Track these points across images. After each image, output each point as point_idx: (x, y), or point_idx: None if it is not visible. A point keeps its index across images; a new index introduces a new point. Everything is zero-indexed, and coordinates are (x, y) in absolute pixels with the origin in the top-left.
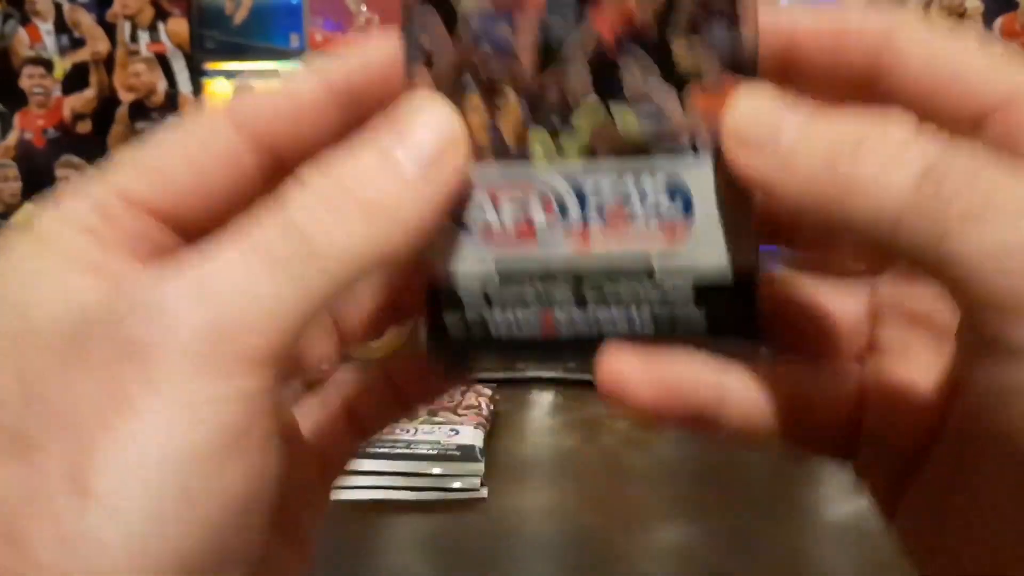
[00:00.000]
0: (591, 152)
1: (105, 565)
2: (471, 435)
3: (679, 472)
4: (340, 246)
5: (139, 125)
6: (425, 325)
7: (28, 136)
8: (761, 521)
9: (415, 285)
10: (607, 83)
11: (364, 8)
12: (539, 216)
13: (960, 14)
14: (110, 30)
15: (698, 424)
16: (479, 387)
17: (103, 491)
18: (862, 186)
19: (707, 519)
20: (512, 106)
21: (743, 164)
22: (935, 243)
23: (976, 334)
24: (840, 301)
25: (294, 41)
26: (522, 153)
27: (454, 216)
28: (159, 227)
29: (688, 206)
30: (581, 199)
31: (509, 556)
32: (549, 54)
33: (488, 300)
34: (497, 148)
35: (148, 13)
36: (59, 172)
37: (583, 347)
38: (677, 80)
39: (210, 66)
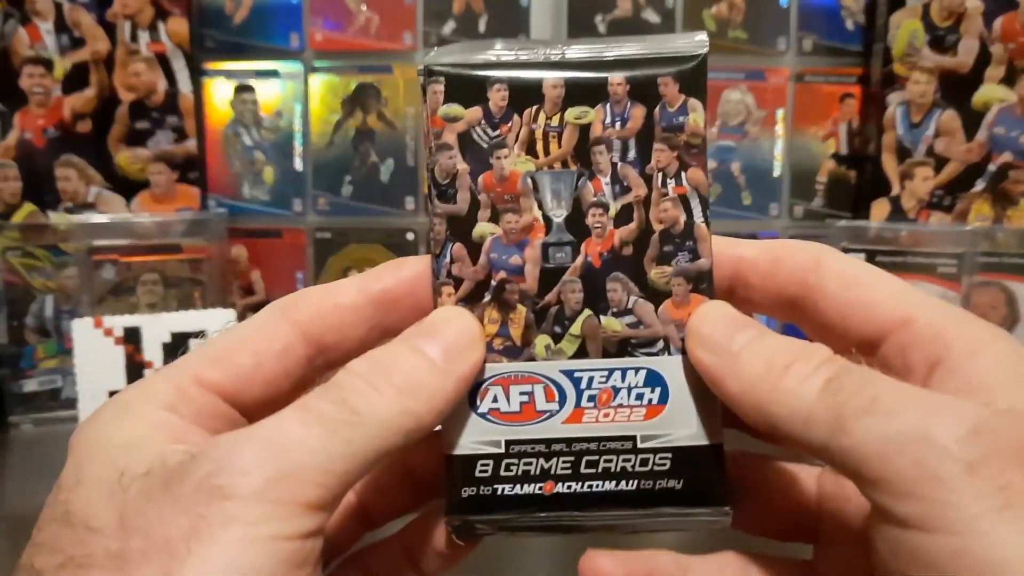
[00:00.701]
0: (583, 352)
1: None
2: None
3: None
4: (379, 415)
5: (139, 124)
6: (445, 497)
7: (28, 135)
8: None
9: (433, 466)
10: (596, 298)
11: (364, 7)
12: (542, 401)
13: (960, 14)
14: (110, 30)
15: None
16: None
17: None
18: (783, 391)
19: None
20: (520, 315)
21: (700, 360)
22: (835, 436)
23: (875, 509)
24: (794, 482)
25: (294, 41)
26: (529, 352)
27: (471, 402)
28: (225, 406)
29: (664, 392)
30: (577, 388)
31: (509, 556)
32: (550, 275)
33: (498, 471)
34: (508, 348)
35: (148, 13)
36: (59, 172)
37: (578, 516)
38: (651, 295)
39: (210, 65)
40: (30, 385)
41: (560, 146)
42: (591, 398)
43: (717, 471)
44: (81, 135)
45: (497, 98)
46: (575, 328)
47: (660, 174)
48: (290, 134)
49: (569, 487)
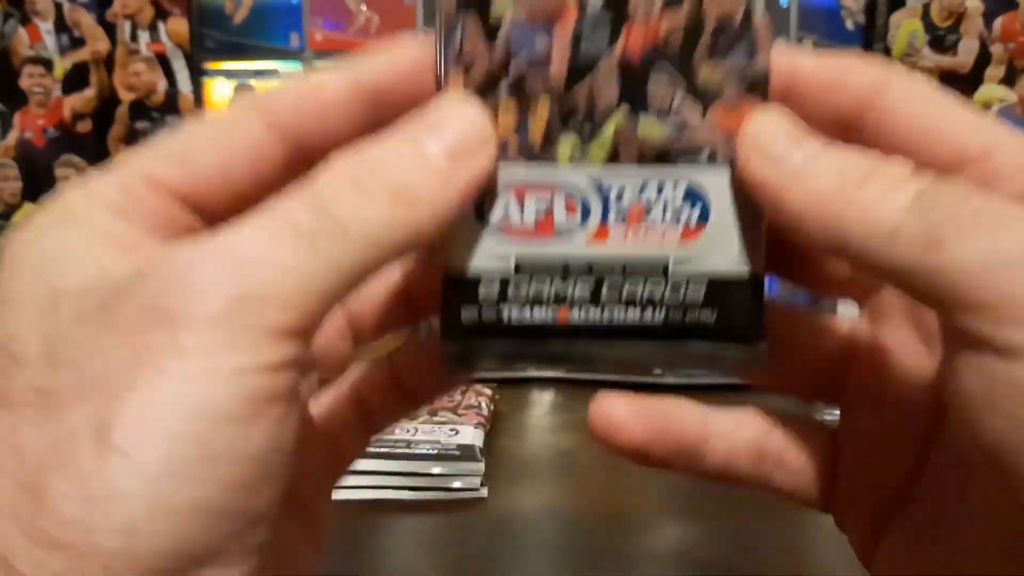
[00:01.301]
0: (615, 157)
1: (124, 516)
2: (471, 435)
3: (678, 472)
4: (367, 225)
5: (139, 124)
6: (439, 317)
7: (28, 135)
8: (761, 521)
9: (429, 282)
10: (634, 94)
11: (364, 7)
12: (561, 215)
13: (960, 14)
14: (110, 29)
15: (682, 462)
16: (479, 387)
17: (127, 445)
18: (862, 205)
19: (707, 519)
20: (543, 110)
21: (756, 172)
22: (928, 253)
23: (967, 339)
24: (825, 334)
25: (294, 40)
26: (550, 155)
27: (478, 212)
28: (182, 209)
29: (704, 212)
30: (604, 200)
31: (509, 556)
32: (581, 65)
33: (505, 294)
34: (526, 149)
35: (148, 12)
36: (59, 172)
37: (594, 347)
38: (699, 95)
39: (210, 65)
40: None
41: None
42: (619, 213)
43: (756, 305)
44: (81, 135)
45: None
46: (607, 129)
47: None
48: None
49: (587, 314)
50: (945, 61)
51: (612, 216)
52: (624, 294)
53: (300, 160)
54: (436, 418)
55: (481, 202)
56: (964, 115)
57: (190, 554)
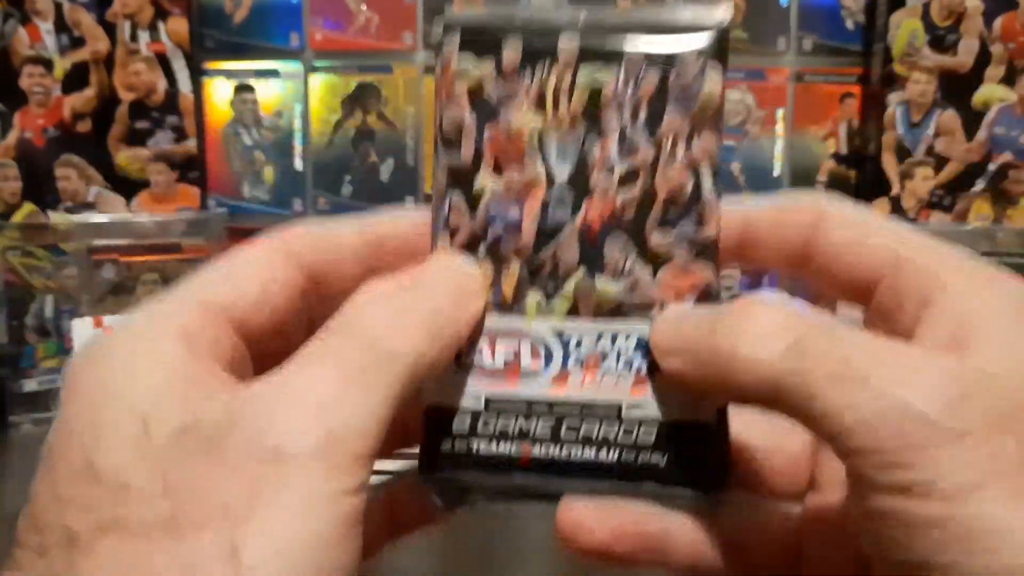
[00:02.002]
0: (575, 312)
1: None
2: None
3: None
4: (410, 355)
5: (139, 124)
6: (420, 449)
7: (28, 135)
8: None
9: (410, 418)
10: (592, 259)
11: (364, 7)
12: (527, 361)
13: (960, 13)
14: (110, 29)
15: (646, 563)
16: None
17: (256, 565)
18: (747, 361)
19: None
20: (513, 270)
21: (672, 368)
22: (807, 403)
23: (850, 475)
24: (784, 439)
25: (294, 40)
26: (519, 308)
27: (456, 356)
28: (232, 333)
29: (654, 362)
30: (564, 350)
31: (509, 556)
32: (548, 232)
33: (475, 429)
34: (498, 303)
35: (148, 12)
36: (59, 171)
37: (553, 483)
38: (650, 259)
39: (210, 65)
40: (30, 385)
41: (570, 105)
42: (578, 360)
43: (704, 452)
44: (81, 135)
45: (510, 53)
46: (568, 287)
47: (670, 140)
48: (290, 134)
49: (547, 451)
50: (945, 61)
51: (571, 363)
52: (581, 434)
53: (315, 289)
54: None
55: (461, 348)
56: (884, 229)
57: None
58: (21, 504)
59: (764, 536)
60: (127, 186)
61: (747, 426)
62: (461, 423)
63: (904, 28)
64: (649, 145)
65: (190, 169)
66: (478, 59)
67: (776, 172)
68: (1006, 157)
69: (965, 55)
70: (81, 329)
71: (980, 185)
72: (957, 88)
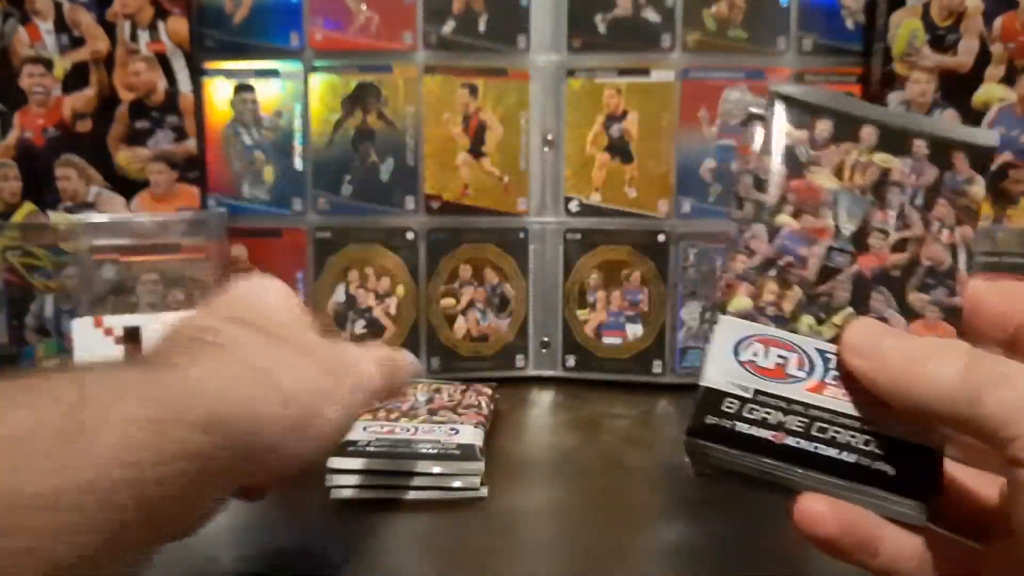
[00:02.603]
0: (838, 339)
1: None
2: (471, 434)
3: (679, 472)
4: (402, 375)
5: (139, 124)
6: (689, 420)
7: (28, 135)
8: (761, 521)
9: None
10: (860, 301)
11: (364, 7)
12: (793, 367)
13: (960, 13)
14: (110, 29)
15: (860, 558)
16: (479, 387)
17: (335, 417)
18: (927, 378)
19: (707, 519)
20: (795, 294)
21: (853, 365)
22: (974, 407)
23: (1010, 464)
24: (980, 485)
25: (294, 40)
26: (793, 325)
27: (735, 351)
28: None
29: None
30: (825, 364)
31: (509, 556)
32: (827, 271)
33: (741, 413)
34: (778, 317)
35: (148, 12)
36: (59, 171)
37: (796, 473)
38: (906, 312)
39: (210, 65)
40: None
41: (863, 177)
42: (835, 376)
43: (926, 472)
44: (81, 134)
45: (822, 127)
46: (837, 318)
47: (938, 222)
48: (290, 133)
49: (797, 443)
50: (945, 60)
51: (830, 377)
52: (828, 435)
53: None
54: (436, 417)
55: (738, 344)
56: None
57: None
58: None
59: (949, 562)
60: (127, 186)
61: (951, 468)
62: (730, 404)
63: (904, 28)
64: (920, 223)
65: (190, 169)
66: (796, 126)
67: None
68: (1006, 157)
69: (965, 55)
70: (81, 329)
71: None
72: (957, 88)
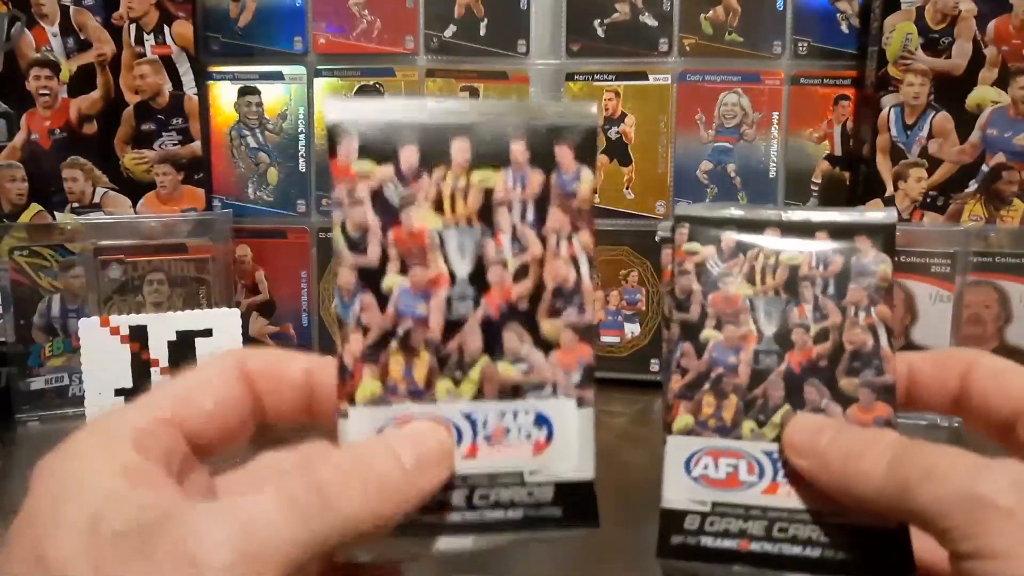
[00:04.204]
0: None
1: None
2: None
3: None
4: (348, 511)
5: (144, 126)
6: (658, 542)
7: (35, 137)
8: None
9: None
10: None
11: (366, 12)
12: (744, 473)
13: (954, 16)
14: (116, 32)
15: None
16: None
17: None
18: (862, 475)
19: None
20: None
21: (798, 464)
22: (904, 502)
23: (949, 554)
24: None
25: (298, 44)
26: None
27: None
28: (184, 444)
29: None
30: (774, 464)
31: (509, 555)
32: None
33: (703, 527)
34: (720, 427)
35: (153, 16)
36: (66, 173)
37: (769, 574)
38: (840, 399)
39: (215, 68)
40: (37, 383)
41: (775, 278)
42: (785, 475)
43: (893, 551)
44: (87, 137)
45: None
46: (776, 417)
47: (853, 307)
48: (294, 136)
49: (762, 547)
50: (939, 63)
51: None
52: (790, 534)
53: (259, 410)
54: None
55: (687, 459)
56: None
57: None
58: None
59: None
60: (133, 187)
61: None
62: (692, 521)
63: (898, 31)
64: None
65: (195, 171)
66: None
67: (772, 174)
68: (999, 158)
69: (959, 58)
70: (88, 328)
71: (973, 186)
72: (951, 90)
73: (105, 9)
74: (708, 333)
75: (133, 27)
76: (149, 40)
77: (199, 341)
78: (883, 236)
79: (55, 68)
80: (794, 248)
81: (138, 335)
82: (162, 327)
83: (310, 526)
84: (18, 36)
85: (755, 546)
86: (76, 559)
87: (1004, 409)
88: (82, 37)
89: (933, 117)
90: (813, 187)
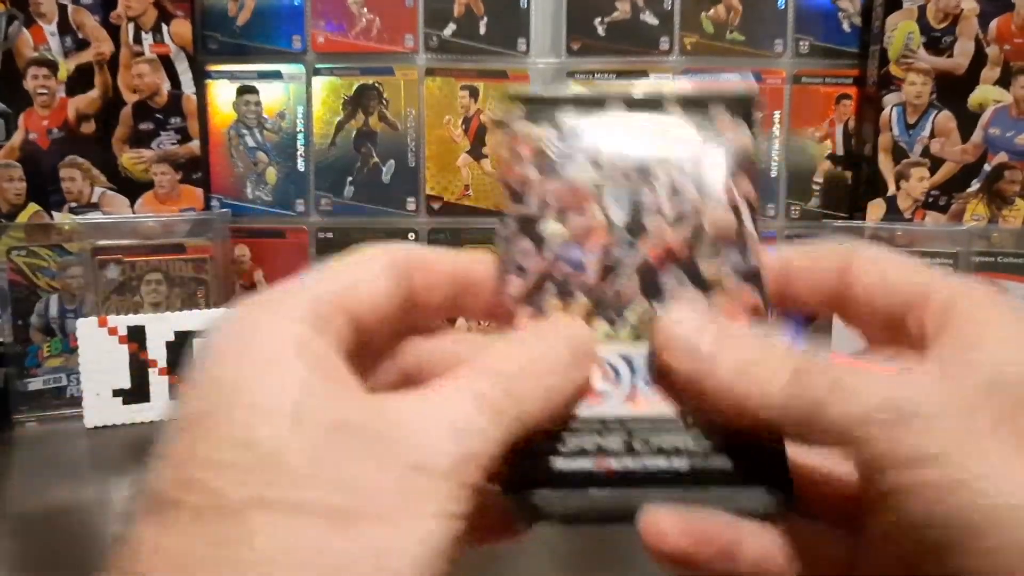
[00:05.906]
0: (638, 336)
1: None
2: None
3: None
4: (533, 400)
5: (143, 125)
6: (506, 469)
7: (33, 136)
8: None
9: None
10: (651, 288)
11: (365, 10)
12: (599, 383)
13: (956, 15)
14: (114, 31)
15: (723, 567)
16: None
17: (395, 569)
18: (756, 388)
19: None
20: (581, 304)
21: (676, 370)
22: (811, 416)
23: (863, 467)
24: (834, 470)
25: (296, 43)
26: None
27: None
28: (352, 329)
29: None
30: (631, 370)
31: (509, 556)
32: (610, 268)
33: (555, 448)
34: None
35: (151, 15)
36: (63, 172)
37: (633, 495)
38: (703, 286)
39: (213, 67)
40: (35, 383)
41: (623, 161)
42: (647, 380)
43: (768, 457)
44: (85, 136)
45: (567, 119)
46: (630, 314)
47: (713, 184)
48: (292, 135)
49: (622, 463)
50: (941, 62)
51: (640, 383)
52: (653, 445)
53: (411, 307)
54: None
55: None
56: (910, 270)
57: None
58: (25, 502)
59: (821, 556)
60: (131, 187)
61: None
62: (542, 443)
63: (900, 30)
64: (695, 192)
65: (193, 170)
66: (538, 124)
67: (773, 173)
68: (1001, 158)
69: (961, 57)
70: (86, 328)
71: (975, 185)
72: (953, 89)
73: (103, 8)
74: (550, 227)
75: (131, 26)
76: (147, 39)
77: (197, 342)
78: (742, 108)
79: (53, 67)
80: (644, 125)
81: (136, 335)
82: (160, 327)
83: (505, 427)
84: (16, 35)
85: (614, 463)
86: (288, 444)
87: (892, 302)
88: (80, 36)
89: (935, 116)
90: (815, 186)
